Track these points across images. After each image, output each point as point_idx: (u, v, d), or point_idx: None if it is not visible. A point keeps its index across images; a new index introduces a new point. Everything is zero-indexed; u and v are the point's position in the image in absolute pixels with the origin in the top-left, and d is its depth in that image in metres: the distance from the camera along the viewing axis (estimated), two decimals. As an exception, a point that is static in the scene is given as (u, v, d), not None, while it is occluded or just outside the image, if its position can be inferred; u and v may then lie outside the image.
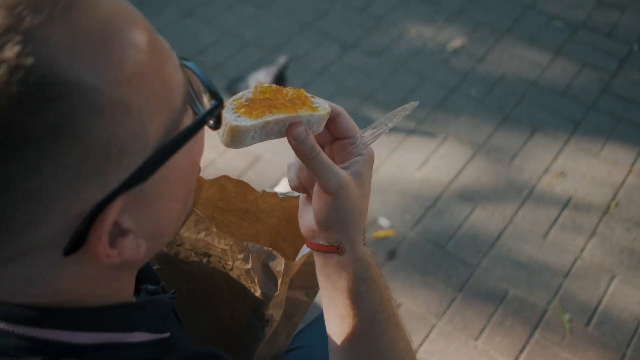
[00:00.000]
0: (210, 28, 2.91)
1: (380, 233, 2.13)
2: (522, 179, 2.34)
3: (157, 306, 0.63)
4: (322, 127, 0.71)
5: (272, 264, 0.88)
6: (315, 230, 0.72)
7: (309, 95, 0.71)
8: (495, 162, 2.40)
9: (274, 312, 0.91)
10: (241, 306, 0.93)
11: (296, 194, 0.95)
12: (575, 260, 2.09)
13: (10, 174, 0.44)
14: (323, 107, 0.70)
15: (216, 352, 0.63)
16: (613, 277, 2.05)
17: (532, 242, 2.14)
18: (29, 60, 0.42)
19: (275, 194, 0.99)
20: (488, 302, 1.97)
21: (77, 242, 0.49)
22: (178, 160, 0.52)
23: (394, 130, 2.45)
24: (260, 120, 0.66)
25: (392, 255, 2.08)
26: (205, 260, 0.92)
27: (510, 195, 2.28)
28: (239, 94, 0.69)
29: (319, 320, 0.77)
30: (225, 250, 0.89)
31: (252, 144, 0.68)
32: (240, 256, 0.88)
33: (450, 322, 1.92)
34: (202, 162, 0.66)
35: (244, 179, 1.00)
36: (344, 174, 0.68)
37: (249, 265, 0.88)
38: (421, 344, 1.86)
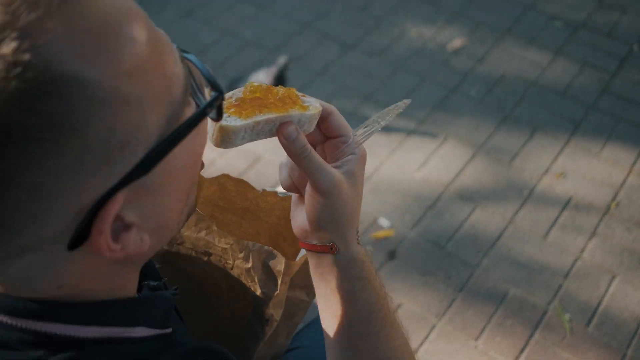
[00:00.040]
0: (211, 28, 2.91)
1: (380, 233, 2.13)
2: (522, 179, 2.34)
3: (159, 301, 0.63)
4: (313, 126, 0.70)
5: (272, 263, 0.88)
6: (308, 230, 0.71)
7: (299, 94, 0.70)
8: (495, 163, 2.40)
9: (274, 312, 0.90)
10: (241, 305, 0.93)
11: (296, 193, 0.95)
12: (576, 260, 2.09)
13: (11, 170, 0.44)
14: (314, 106, 0.70)
15: (217, 347, 0.63)
16: (613, 278, 2.05)
17: (532, 243, 2.13)
18: (26, 57, 0.42)
19: (276, 193, 0.99)
20: (488, 303, 1.97)
21: (80, 236, 0.49)
22: (180, 152, 0.52)
23: (394, 130, 2.45)
24: (250, 120, 0.66)
25: (392, 255, 2.07)
26: (205, 259, 0.92)
27: (510, 195, 2.28)
28: (229, 94, 0.68)
29: (319, 320, 0.77)
30: (225, 249, 0.89)
31: (243, 144, 0.67)
32: (241, 255, 0.88)
33: (450, 322, 1.92)
34: (202, 163, 0.66)
35: (244, 179, 1.00)
36: (336, 173, 0.68)
37: (249, 265, 0.88)
38: (421, 344, 1.86)
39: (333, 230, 0.70)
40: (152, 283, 0.69)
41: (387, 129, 2.43)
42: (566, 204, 2.26)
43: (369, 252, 0.76)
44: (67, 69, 0.44)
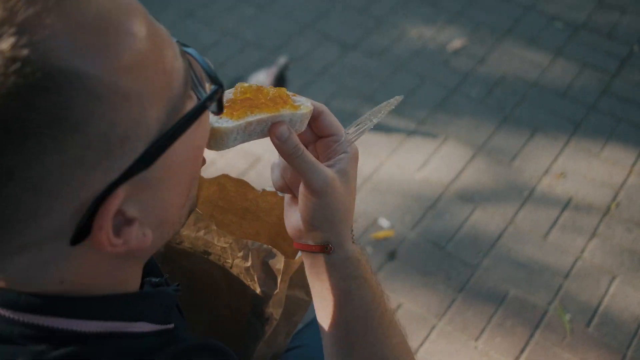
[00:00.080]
0: (211, 29, 2.91)
1: (381, 234, 2.13)
2: (523, 179, 2.34)
3: (161, 297, 0.64)
4: (304, 126, 0.70)
5: (271, 262, 0.88)
6: (302, 231, 0.71)
7: (290, 93, 0.70)
8: (495, 163, 2.40)
9: (274, 311, 0.90)
10: (241, 304, 0.93)
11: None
12: (576, 260, 2.09)
13: (11, 165, 0.44)
14: (305, 105, 0.69)
15: (219, 344, 0.63)
16: (614, 278, 2.04)
17: (532, 243, 2.13)
18: (25, 52, 0.42)
19: (276, 193, 0.99)
20: (488, 303, 1.97)
21: (82, 232, 0.49)
22: (180, 146, 0.52)
23: (394, 131, 2.45)
24: (242, 121, 0.65)
25: (392, 255, 2.07)
26: (204, 258, 0.92)
27: (510, 196, 2.28)
28: None
29: (319, 319, 0.77)
30: (224, 248, 0.89)
31: (235, 145, 0.67)
32: (240, 254, 0.88)
33: (450, 322, 1.91)
34: (202, 164, 0.66)
35: (245, 179, 1.00)
36: (329, 172, 0.68)
37: (249, 263, 0.88)
38: (421, 345, 1.86)
39: (327, 230, 0.70)
40: (154, 279, 0.69)
41: (387, 130, 2.43)
42: (566, 204, 2.26)
43: (364, 250, 0.75)
44: (65, 64, 0.44)
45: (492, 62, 2.81)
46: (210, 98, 0.54)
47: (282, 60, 2.45)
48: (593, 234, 2.17)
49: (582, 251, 2.12)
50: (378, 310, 0.73)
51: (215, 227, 0.89)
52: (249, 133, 0.67)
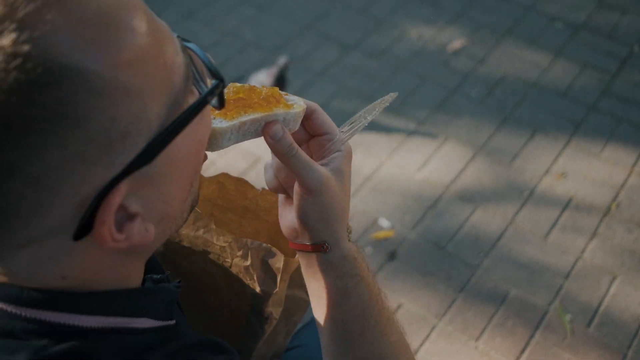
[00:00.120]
0: (211, 29, 2.91)
1: (381, 234, 2.12)
2: (523, 179, 2.34)
3: (162, 293, 0.64)
4: (298, 125, 0.70)
5: (271, 261, 0.88)
6: (298, 230, 0.71)
7: (282, 93, 0.70)
8: (495, 163, 2.39)
9: (274, 310, 0.90)
10: (240, 303, 0.93)
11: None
12: (576, 261, 2.09)
13: (13, 160, 0.44)
14: (298, 104, 0.70)
15: (220, 341, 0.63)
16: (614, 278, 2.04)
17: (533, 243, 2.13)
18: (25, 48, 0.42)
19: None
20: (489, 303, 1.96)
21: (84, 227, 0.49)
22: (182, 141, 0.52)
23: (394, 131, 2.45)
24: (236, 121, 0.66)
25: (392, 256, 2.07)
26: (204, 257, 0.92)
27: (511, 196, 2.28)
28: None
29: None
30: (224, 247, 0.89)
31: (229, 145, 0.67)
32: (239, 253, 0.88)
33: (450, 322, 1.91)
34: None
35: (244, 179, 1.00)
36: (323, 171, 0.68)
37: (248, 262, 0.87)
38: (422, 345, 1.86)
39: (323, 229, 0.70)
40: (155, 276, 0.69)
41: (387, 130, 2.43)
42: (567, 204, 2.26)
43: (361, 248, 0.75)
44: (66, 60, 0.44)
45: (492, 62, 2.81)
46: (211, 92, 0.54)
47: (282, 60, 2.45)
48: (593, 234, 2.17)
49: (583, 251, 2.12)
50: (375, 307, 0.73)
51: (214, 226, 0.89)
52: (243, 133, 0.67)
